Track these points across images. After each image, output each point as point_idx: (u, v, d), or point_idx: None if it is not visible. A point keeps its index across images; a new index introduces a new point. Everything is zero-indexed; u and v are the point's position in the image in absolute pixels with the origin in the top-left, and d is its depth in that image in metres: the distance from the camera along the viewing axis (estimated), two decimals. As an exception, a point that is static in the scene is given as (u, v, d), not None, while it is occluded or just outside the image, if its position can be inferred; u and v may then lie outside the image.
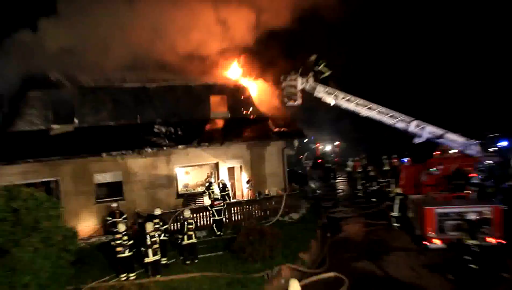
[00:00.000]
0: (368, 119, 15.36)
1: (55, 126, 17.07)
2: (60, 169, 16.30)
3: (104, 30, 17.37)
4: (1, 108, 17.31)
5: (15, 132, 16.27)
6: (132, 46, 17.67)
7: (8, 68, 16.28)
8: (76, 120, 17.46)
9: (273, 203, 18.03)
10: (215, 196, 16.48)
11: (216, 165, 19.77)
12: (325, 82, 15.40)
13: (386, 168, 22.56)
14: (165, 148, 17.79)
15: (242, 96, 21.32)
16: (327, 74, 15.43)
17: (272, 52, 21.69)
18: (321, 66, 15.43)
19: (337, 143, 47.63)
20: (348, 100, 15.07)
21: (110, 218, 15.32)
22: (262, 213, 17.65)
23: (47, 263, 9.80)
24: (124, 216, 15.39)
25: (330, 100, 15.19)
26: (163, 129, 18.47)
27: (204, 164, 20.14)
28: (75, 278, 11.33)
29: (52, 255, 10.01)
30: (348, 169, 27.63)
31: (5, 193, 9.90)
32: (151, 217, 13.88)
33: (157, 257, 12.12)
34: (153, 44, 18.45)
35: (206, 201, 17.23)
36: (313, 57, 15.66)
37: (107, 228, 15.60)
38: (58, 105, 17.26)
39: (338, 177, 29.70)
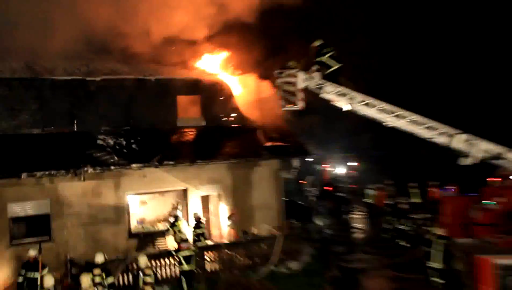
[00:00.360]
0: (396, 132, 15.13)
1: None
2: (-41, 196, 16.07)
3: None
4: None
5: None
6: (81, 23, 17.54)
7: None
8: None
9: (264, 246, 17.95)
10: (183, 236, 16.37)
11: (185, 192, 19.64)
12: (333, 78, 15.19)
13: (415, 200, 22.33)
14: (113, 167, 17.59)
15: (223, 97, 21.35)
16: (334, 68, 15.24)
17: (271, 34, 21.54)
18: (326, 56, 15.22)
19: (353, 164, 47.53)
20: (367, 104, 14.86)
21: (24, 271, 14.68)
22: (249, 261, 17.57)
23: None
24: (46, 269, 14.74)
25: (343, 104, 15.00)
26: (111, 141, 18.36)
27: (167, 191, 20.02)
28: None
29: None
30: (369, 200, 27.51)
31: None
32: (90, 267, 13.73)
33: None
34: (111, 21, 18.39)
35: (170, 243, 17.04)
36: (316, 43, 15.47)
37: (23, 284, 14.87)
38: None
39: (355, 211, 29.53)
